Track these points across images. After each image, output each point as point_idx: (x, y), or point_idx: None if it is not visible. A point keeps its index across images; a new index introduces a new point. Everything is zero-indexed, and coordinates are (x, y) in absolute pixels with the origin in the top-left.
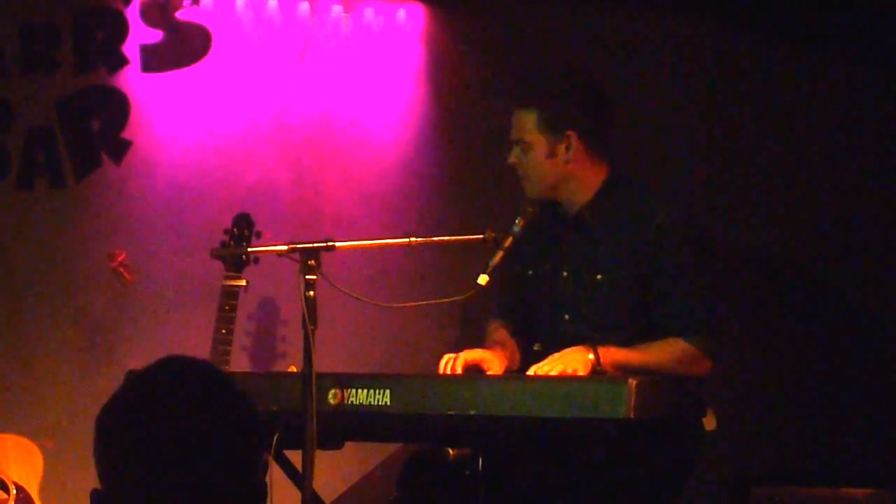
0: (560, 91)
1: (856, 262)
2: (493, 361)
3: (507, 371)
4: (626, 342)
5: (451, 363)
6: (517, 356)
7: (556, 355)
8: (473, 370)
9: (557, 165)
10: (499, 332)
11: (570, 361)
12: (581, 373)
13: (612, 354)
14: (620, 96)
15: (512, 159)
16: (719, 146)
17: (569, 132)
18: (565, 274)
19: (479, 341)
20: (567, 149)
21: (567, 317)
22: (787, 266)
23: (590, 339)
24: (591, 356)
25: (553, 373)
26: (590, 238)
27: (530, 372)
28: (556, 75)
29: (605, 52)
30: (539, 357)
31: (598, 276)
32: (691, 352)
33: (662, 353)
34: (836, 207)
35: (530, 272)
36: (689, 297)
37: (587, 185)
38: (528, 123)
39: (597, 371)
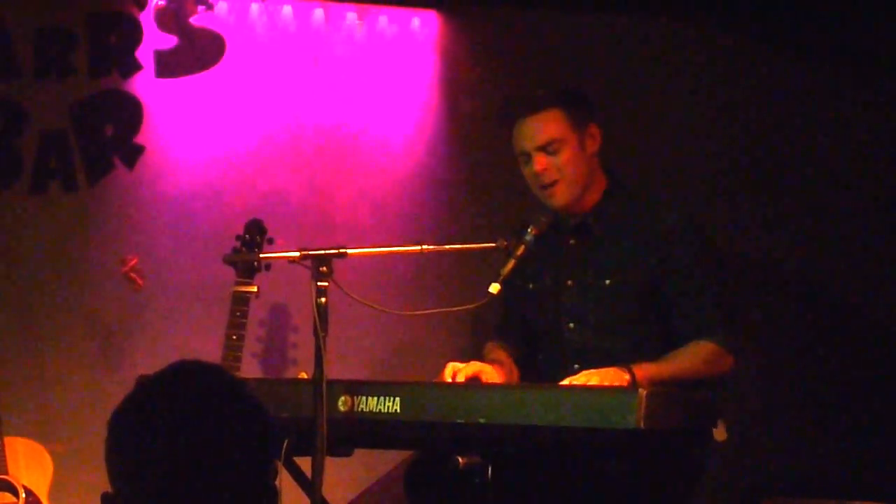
0: (576, 89)
1: (874, 274)
2: (491, 374)
3: None
4: (631, 348)
5: (454, 374)
6: (514, 375)
7: (590, 371)
8: (473, 381)
9: (588, 159)
10: (495, 351)
11: (607, 378)
12: None
13: (646, 370)
14: (633, 103)
15: (539, 166)
16: (717, 152)
17: (591, 125)
18: (570, 283)
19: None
20: (593, 141)
21: (571, 325)
22: (801, 277)
23: (598, 349)
24: (628, 376)
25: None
26: (594, 244)
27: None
28: (561, 82)
29: (617, 60)
30: (550, 367)
31: (607, 282)
32: (716, 350)
33: (690, 357)
34: (849, 215)
35: (531, 285)
36: (704, 297)
37: (593, 190)
38: (556, 122)
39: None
